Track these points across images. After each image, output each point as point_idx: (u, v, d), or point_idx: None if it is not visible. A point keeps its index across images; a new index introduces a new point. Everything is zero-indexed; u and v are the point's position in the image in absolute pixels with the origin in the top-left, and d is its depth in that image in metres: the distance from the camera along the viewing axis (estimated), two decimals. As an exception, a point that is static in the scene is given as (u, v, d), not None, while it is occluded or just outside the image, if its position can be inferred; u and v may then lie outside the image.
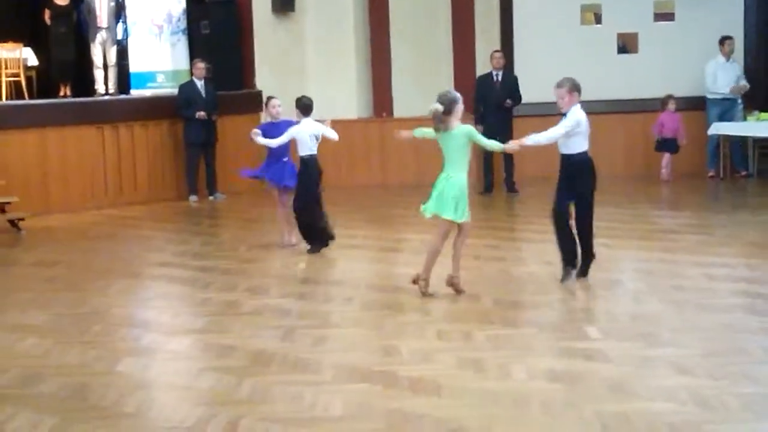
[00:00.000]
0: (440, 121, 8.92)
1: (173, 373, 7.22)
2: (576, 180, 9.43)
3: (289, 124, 11.49)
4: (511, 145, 9.46)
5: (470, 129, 9.11)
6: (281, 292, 9.64)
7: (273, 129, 11.57)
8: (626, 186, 16.38)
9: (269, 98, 12.16)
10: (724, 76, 16.93)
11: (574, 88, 9.41)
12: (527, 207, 15.00)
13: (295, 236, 11.65)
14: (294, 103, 11.41)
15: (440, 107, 8.88)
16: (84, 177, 15.60)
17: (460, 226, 9.04)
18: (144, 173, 16.28)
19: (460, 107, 8.96)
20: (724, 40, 16.98)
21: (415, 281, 9.09)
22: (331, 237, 11.38)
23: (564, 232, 9.49)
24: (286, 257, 11.40)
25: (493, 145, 9.36)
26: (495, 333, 7.78)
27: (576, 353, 7.20)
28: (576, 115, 9.33)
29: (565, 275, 9.40)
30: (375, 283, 9.80)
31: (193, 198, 16.18)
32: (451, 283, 9.10)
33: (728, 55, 16.97)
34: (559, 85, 9.44)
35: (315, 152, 11.22)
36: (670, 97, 16.82)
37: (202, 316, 8.72)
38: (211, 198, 16.33)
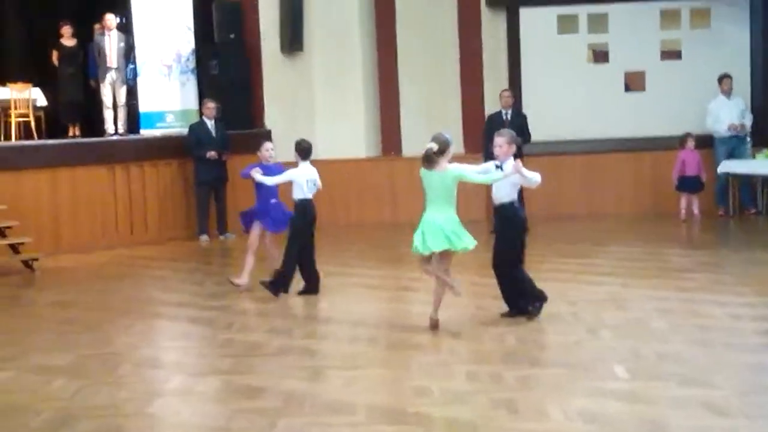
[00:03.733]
0: (431, 160, 9.14)
1: (206, 414, 7.20)
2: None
3: (280, 168, 11.54)
4: (509, 170, 9.43)
5: (461, 172, 9.29)
6: (304, 333, 9.64)
7: (265, 171, 11.49)
8: (635, 224, 16.44)
9: (263, 141, 12.08)
10: (726, 114, 16.99)
11: (514, 139, 9.66)
12: (539, 246, 14.91)
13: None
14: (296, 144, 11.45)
15: (435, 146, 9.11)
16: (95, 217, 15.66)
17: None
18: (154, 213, 16.32)
19: (451, 150, 9.25)
20: (722, 78, 17.06)
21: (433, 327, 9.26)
22: (315, 288, 11.37)
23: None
24: (304, 297, 11.37)
25: (487, 178, 9.48)
26: (524, 373, 7.78)
27: (607, 393, 7.19)
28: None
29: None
30: (396, 322, 9.79)
31: (203, 237, 16.20)
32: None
33: (728, 93, 17.03)
34: (500, 134, 9.65)
35: (310, 197, 11.23)
36: (688, 135, 16.84)
37: (228, 357, 8.71)
38: (221, 237, 16.35)
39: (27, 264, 13.73)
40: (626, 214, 17.33)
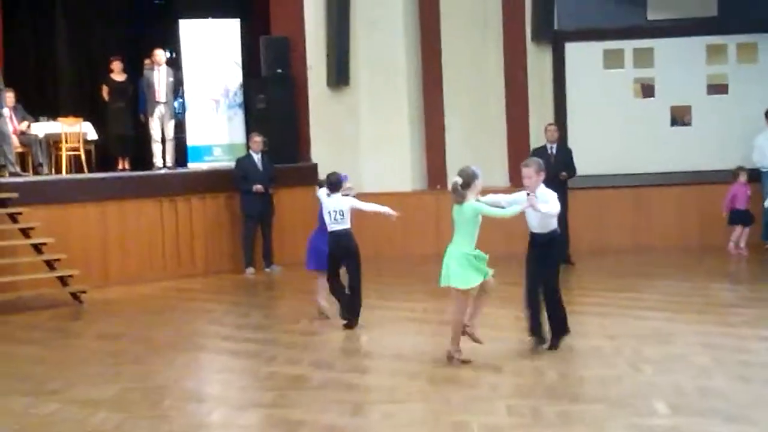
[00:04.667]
0: (459, 194, 9.24)
1: (247, 448, 7.27)
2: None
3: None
4: (522, 207, 9.44)
5: (478, 207, 9.30)
6: (346, 366, 9.69)
7: None
8: (681, 259, 16.36)
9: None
10: None
11: (541, 168, 9.67)
12: (584, 279, 14.97)
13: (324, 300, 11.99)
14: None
15: (459, 180, 9.25)
16: (142, 249, 15.81)
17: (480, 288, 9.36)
18: (201, 245, 16.45)
19: (478, 183, 9.29)
20: None
21: (449, 358, 9.31)
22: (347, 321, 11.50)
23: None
24: (348, 330, 11.43)
25: (505, 212, 9.48)
26: (565, 409, 7.77)
27: (647, 430, 7.18)
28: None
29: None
30: (438, 356, 9.74)
31: (249, 270, 16.31)
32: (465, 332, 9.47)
33: None
34: (526, 165, 9.67)
35: (335, 228, 11.31)
36: (741, 168, 16.77)
37: (270, 390, 8.76)
38: (267, 270, 16.44)
39: (75, 296, 13.90)
40: (672, 248, 17.24)
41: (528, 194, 9.50)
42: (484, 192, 9.65)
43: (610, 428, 7.30)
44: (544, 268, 9.77)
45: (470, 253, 9.26)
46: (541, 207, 9.42)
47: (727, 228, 16.80)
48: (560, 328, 9.89)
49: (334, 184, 11.41)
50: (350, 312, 11.45)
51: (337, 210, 11.31)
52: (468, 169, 9.39)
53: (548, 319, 9.88)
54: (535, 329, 9.89)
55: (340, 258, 11.43)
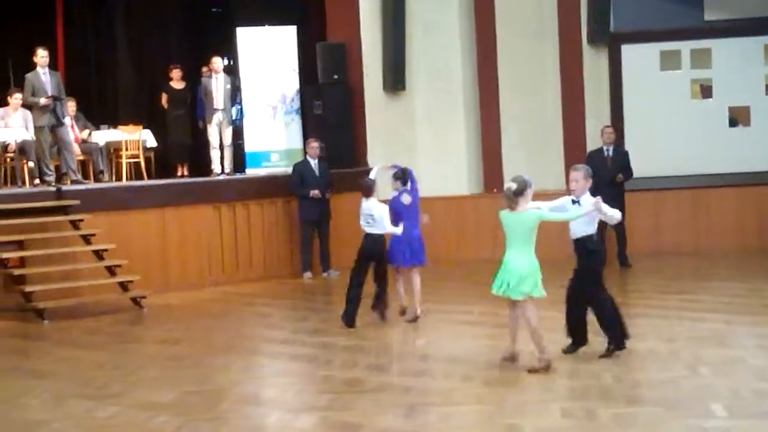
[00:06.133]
0: (511, 201, 9.17)
1: (303, 450, 7.35)
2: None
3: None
4: (590, 207, 9.41)
5: (541, 215, 9.26)
6: (402, 369, 9.77)
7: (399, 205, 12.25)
8: (740, 260, 16.25)
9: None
10: None
11: (589, 174, 9.67)
12: (641, 281, 14.92)
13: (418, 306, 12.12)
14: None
15: (513, 186, 9.16)
16: (201, 255, 15.97)
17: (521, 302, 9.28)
18: (259, 250, 16.59)
19: (530, 192, 9.21)
20: None
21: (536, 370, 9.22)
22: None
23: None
24: (404, 333, 11.52)
25: (569, 216, 9.49)
26: (619, 411, 7.76)
27: (703, 432, 7.17)
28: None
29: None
30: (493, 359, 9.75)
31: (307, 274, 16.42)
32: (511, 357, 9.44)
33: None
34: (576, 169, 9.64)
35: (368, 231, 11.86)
36: None
37: (326, 394, 8.83)
38: (324, 275, 16.53)
39: (135, 301, 14.10)
40: (731, 250, 17.11)
41: (576, 199, 9.53)
42: (540, 196, 9.69)
43: (663, 429, 7.29)
44: (580, 277, 9.73)
45: (535, 264, 9.24)
46: (606, 209, 9.40)
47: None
48: (615, 336, 9.73)
49: (366, 188, 11.97)
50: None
51: (367, 213, 11.82)
52: (521, 176, 9.36)
53: (600, 326, 9.81)
54: (570, 331, 9.85)
55: (370, 259, 11.85)
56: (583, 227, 9.61)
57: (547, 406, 8.02)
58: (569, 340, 9.83)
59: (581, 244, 9.67)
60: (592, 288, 9.70)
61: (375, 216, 11.73)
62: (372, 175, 12.48)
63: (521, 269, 9.19)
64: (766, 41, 17.81)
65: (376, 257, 11.87)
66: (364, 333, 11.68)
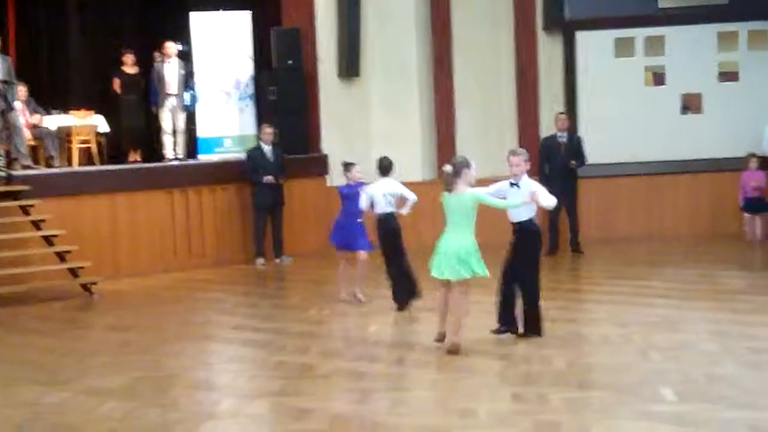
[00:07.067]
0: (449, 182, 9.23)
1: (254, 436, 7.31)
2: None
3: (361, 185, 12.06)
4: (526, 198, 9.45)
5: (479, 195, 9.32)
6: (355, 355, 9.72)
7: (348, 190, 12.21)
8: (692, 246, 16.36)
9: (352, 164, 12.50)
10: None
11: (528, 158, 9.84)
12: (594, 268, 14.99)
13: (359, 292, 12.14)
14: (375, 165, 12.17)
15: (449, 168, 9.24)
16: (153, 241, 15.85)
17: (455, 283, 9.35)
18: (212, 237, 16.48)
19: (468, 172, 9.27)
20: None
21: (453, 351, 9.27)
22: (416, 293, 11.71)
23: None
24: (357, 319, 11.49)
25: (507, 203, 9.53)
26: (571, 396, 7.78)
27: (654, 416, 7.18)
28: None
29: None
30: (446, 345, 9.77)
31: (260, 261, 16.33)
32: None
33: None
34: (516, 153, 9.77)
35: (389, 210, 11.76)
36: (751, 155, 16.75)
37: (278, 379, 8.79)
38: (277, 261, 16.46)
39: (86, 288, 13.96)
40: (683, 236, 17.23)
41: (514, 182, 9.59)
42: (494, 181, 9.71)
43: (617, 415, 7.31)
44: (522, 263, 9.78)
45: (475, 245, 9.26)
46: (542, 200, 9.43)
47: (740, 215, 16.76)
48: (533, 327, 9.87)
49: (385, 167, 11.94)
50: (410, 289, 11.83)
51: (391, 193, 11.82)
52: (459, 157, 9.49)
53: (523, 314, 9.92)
54: (503, 319, 9.93)
55: (391, 239, 11.78)
56: (523, 212, 9.68)
57: (499, 391, 8.03)
58: (499, 322, 9.92)
59: (521, 227, 9.74)
60: (529, 271, 9.77)
61: (395, 194, 11.80)
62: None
63: (460, 250, 9.21)
64: (718, 29, 17.91)
65: (398, 236, 11.85)
66: (318, 319, 11.65)
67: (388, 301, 11.93)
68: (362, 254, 12.25)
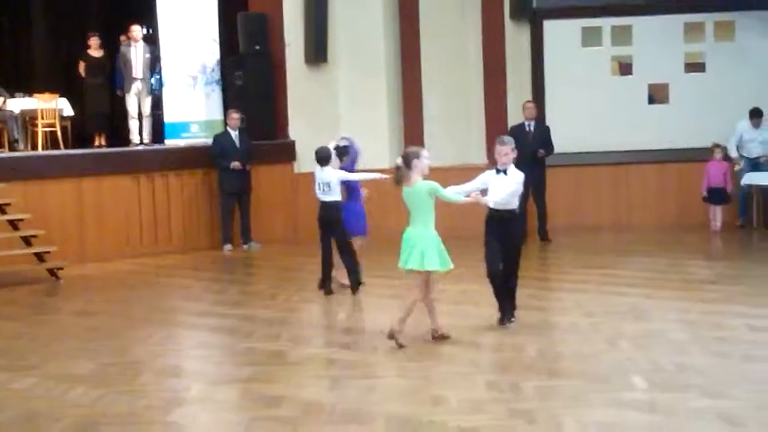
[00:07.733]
0: (400, 174, 9.18)
1: (225, 422, 7.27)
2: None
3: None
4: (470, 199, 9.42)
5: (432, 185, 9.22)
6: (325, 342, 9.71)
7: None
8: (659, 236, 16.43)
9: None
10: (750, 141, 17.04)
11: (514, 146, 9.75)
12: (561, 257, 15.02)
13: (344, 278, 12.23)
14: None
15: (399, 160, 9.21)
16: (119, 226, 15.75)
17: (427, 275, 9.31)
18: (179, 222, 16.40)
19: (419, 162, 9.17)
20: (753, 116, 16.99)
21: (391, 336, 9.18)
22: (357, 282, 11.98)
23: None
24: (325, 306, 11.47)
25: (455, 198, 9.43)
26: (543, 384, 7.80)
27: (624, 404, 7.20)
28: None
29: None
30: (418, 333, 9.70)
31: (227, 247, 16.26)
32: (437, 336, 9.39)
33: (757, 126, 17.02)
34: (504, 143, 9.67)
35: (323, 199, 11.92)
36: (716, 145, 16.81)
37: (247, 366, 8.76)
38: (245, 247, 16.40)
39: (52, 272, 13.86)
40: (650, 226, 17.31)
41: (502, 169, 9.57)
42: (462, 170, 9.69)
43: (587, 403, 7.31)
44: (507, 248, 9.76)
45: (437, 237, 9.23)
46: (490, 203, 9.42)
47: (705, 205, 16.84)
48: (510, 308, 9.93)
49: (321, 158, 11.88)
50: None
51: (324, 182, 11.77)
52: (409, 148, 9.46)
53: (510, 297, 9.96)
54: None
55: (325, 227, 11.90)
56: (513, 200, 9.67)
57: (472, 379, 8.03)
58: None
59: (511, 215, 9.70)
60: (516, 257, 9.85)
61: (332, 183, 11.78)
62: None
63: (423, 242, 9.18)
64: (685, 19, 17.98)
65: (329, 223, 11.91)
66: (286, 305, 11.62)
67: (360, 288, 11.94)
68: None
